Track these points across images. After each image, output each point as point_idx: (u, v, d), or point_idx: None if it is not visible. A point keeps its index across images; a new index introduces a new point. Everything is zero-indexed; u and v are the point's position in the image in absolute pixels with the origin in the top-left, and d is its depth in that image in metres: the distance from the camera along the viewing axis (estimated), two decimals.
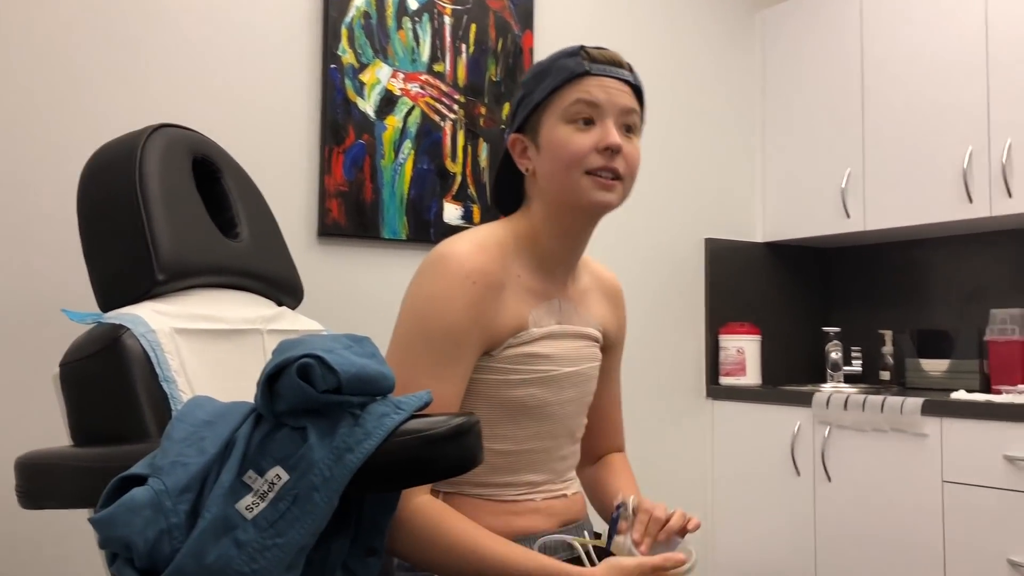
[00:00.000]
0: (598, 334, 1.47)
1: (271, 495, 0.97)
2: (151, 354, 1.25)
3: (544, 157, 1.34)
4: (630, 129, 1.35)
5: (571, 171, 1.31)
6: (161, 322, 1.30)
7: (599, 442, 1.62)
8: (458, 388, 1.27)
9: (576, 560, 1.36)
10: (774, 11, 3.38)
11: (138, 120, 2.13)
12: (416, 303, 1.29)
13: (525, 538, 1.33)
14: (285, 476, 0.97)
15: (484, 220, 2.68)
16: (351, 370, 1.00)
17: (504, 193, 1.45)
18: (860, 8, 3.06)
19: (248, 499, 0.97)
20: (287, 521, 0.96)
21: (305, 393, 0.98)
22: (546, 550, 1.34)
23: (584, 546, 1.36)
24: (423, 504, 1.22)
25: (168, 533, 0.95)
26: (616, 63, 1.35)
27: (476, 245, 1.31)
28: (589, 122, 1.31)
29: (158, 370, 1.25)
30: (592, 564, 1.27)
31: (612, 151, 1.30)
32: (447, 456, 1.03)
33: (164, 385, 1.25)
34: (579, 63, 1.32)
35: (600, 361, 1.49)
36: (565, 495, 1.42)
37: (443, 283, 1.27)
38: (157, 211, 1.37)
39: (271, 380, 1.01)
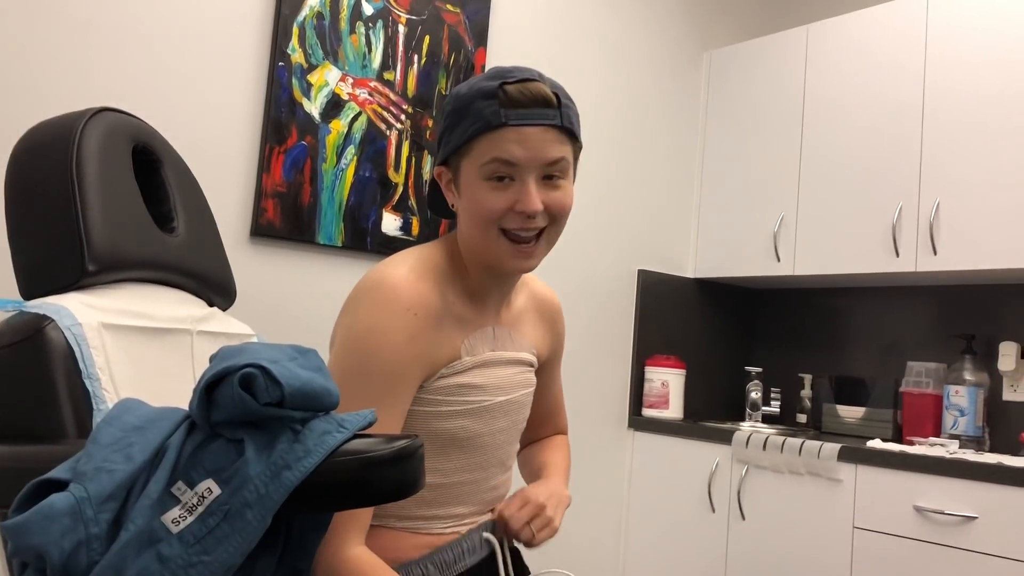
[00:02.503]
0: (533, 358, 1.43)
1: (200, 509, 0.92)
2: (76, 348, 1.18)
3: (463, 206, 1.27)
4: (554, 176, 1.23)
5: (487, 230, 1.23)
6: (89, 315, 1.23)
7: (543, 431, 1.62)
8: (398, 423, 1.23)
9: (491, 558, 1.34)
10: (721, 52, 3.43)
11: (75, 101, 2.04)
12: (355, 335, 1.22)
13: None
14: (217, 490, 0.92)
15: (423, 232, 2.65)
16: (295, 384, 0.96)
17: (439, 205, 1.39)
18: (805, 57, 3.13)
19: (175, 512, 0.91)
20: (216, 538, 0.91)
21: (245, 404, 0.93)
22: (464, 552, 1.32)
23: (503, 552, 1.34)
24: (358, 560, 1.17)
25: (87, 544, 0.89)
26: (541, 102, 1.21)
27: (414, 272, 1.25)
28: (507, 178, 1.22)
29: (82, 366, 1.18)
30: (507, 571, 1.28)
31: (528, 216, 1.22)
32: (387, 480, 0.99)
33: (87, 382, 1.17)
34: (495, 112, 1.19)
35: (534, 387, 1.45)
36: None
37: (383, 315, 1.21)
38: (92, 198, 1.30)
39: (210, 387, 0.95)
